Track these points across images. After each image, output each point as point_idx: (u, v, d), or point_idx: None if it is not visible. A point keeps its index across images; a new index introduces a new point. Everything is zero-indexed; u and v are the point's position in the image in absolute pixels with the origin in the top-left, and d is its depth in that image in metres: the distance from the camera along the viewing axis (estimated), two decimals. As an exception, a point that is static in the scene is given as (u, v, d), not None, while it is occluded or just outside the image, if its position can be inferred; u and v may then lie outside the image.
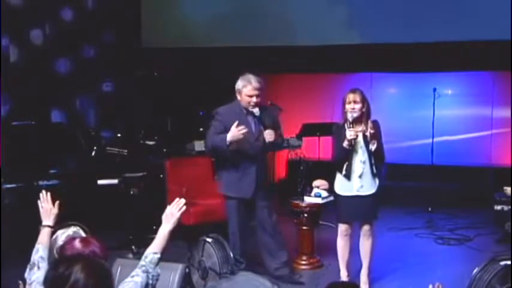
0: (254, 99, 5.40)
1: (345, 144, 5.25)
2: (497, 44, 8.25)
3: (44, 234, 3.24)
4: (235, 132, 5.26)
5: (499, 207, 7.03)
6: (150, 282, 2.81)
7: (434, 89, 8.84)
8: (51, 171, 6.99)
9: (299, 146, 8.55)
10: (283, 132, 5.82)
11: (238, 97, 5.48)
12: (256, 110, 5.42)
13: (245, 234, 5.64)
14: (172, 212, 2.98)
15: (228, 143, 5.31)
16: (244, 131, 5.28)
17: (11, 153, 6.55)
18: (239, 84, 5.44)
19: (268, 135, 5.39)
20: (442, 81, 9.44)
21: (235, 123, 5.28)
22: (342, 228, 5.56)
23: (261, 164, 5.54)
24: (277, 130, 5.57)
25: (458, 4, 8.73)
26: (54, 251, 3.23)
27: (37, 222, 3.32)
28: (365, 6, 9.11)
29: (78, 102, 9.06)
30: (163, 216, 2.99)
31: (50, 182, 6.70)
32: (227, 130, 5.34)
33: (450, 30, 8.62)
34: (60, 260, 2.60)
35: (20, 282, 3.02)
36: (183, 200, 3.00)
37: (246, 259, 5.60)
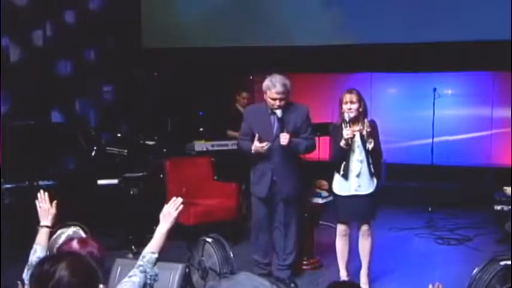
0: (277, 102, 5.38)
1: (342, 143, 5.25)
2: (497, 44, 8.25)
3: (42, 235, 3.23)
4: (257, 147, 5.39)
5: (499, 207, 7.03)
6: (148, 282, 2.80)
7: (434, 89, 8.84)
8: (51, 171, 6.99)
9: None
10: (312, 135, 5.67)
11: (264, 96, 5.51)
12: (279, 112, 5.41)
13: (262, 233, 5.69)
14: (170, 211, 2.98)
15: (253, 152, 5.47)
16: (266, 147, 5.37)
17: (11, 153, 6.55)
18: (264, 85, 5.46)
19: (282, 138, 5.36)
20: (442, 81, 9.45)
21: (256, 138, 5.39)
22: (341, 228, 5.56)
23: (280, 164, 5.49)
24: (300, 132, 5.52)
25: (458, 4, 8.73)
26: (55, 251, 3.23)
27: (36, 223, 3.32)
28: (365, 6, 9.11)
29: (78, 103, 9.04)
30: (161, 216, 2.99)
31: (50, 182, 6.69)
32: (251, 129, 5.51)
33: (450, 30, 8.62)
34: (45, 257, 2.60)
35: (19, 282, 3.02)
36: (180, 199, 3.01)
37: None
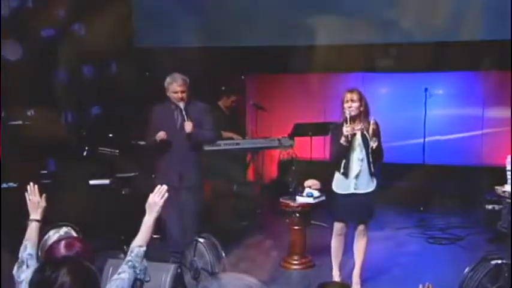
0: (179, 94, 5.76)
1: (342, 140, 5.26)
2: (488, 43, 8.27)
3: (32, 229, 3.15)
4: (161, 134, 5.74)
5: (490, 207, 7.07)
6: (138, 277, 2.79)
7: (426, 89, 8.86)
8: (43, 171, 6.96)
9: (291, 146, 8.54)
10: (214, 128, 6.02)
11: (167, 93, 5.86)
12: (182, 104, 5.76)
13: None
14: (155, 200, 2.97)
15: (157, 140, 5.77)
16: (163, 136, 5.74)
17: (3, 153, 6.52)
18: (166, 82, 5.87)
19: (186, 126, 5.71)
20: (433, 81, 9.46)
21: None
22: (337, 227, 5.55)
23: (186, 153, 5.78)
24: (202, 125, 5.82)
25: (449, 4, 8.74)
26: (45, 251, 3.21)
27: (25, 224, 3.27)
28: (355, 7, 9.09)
29: (70, 111, 8.92)
30: (147, 206, 2.97)
31: (42, 182, 6.65)
32: (158, 127, 5.79)
33: (441, 30, 8.63)
34: (46, 262, 2.58)
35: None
36: (165, 187, 2.99)
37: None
